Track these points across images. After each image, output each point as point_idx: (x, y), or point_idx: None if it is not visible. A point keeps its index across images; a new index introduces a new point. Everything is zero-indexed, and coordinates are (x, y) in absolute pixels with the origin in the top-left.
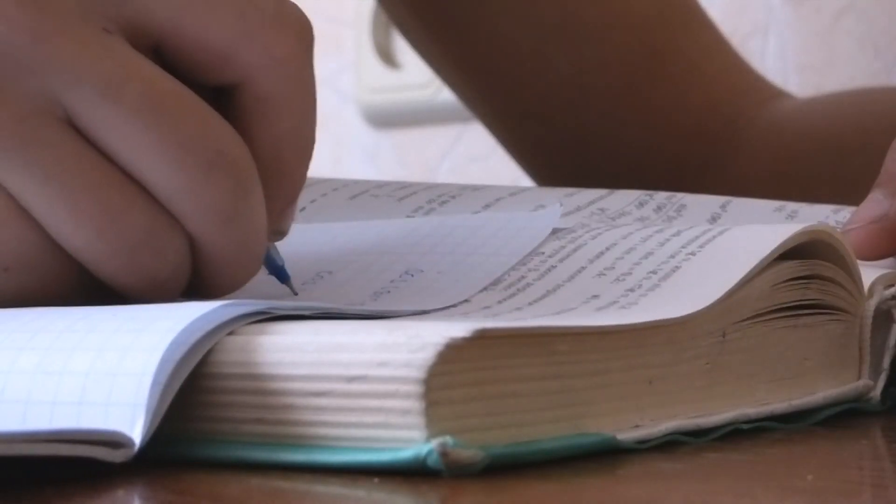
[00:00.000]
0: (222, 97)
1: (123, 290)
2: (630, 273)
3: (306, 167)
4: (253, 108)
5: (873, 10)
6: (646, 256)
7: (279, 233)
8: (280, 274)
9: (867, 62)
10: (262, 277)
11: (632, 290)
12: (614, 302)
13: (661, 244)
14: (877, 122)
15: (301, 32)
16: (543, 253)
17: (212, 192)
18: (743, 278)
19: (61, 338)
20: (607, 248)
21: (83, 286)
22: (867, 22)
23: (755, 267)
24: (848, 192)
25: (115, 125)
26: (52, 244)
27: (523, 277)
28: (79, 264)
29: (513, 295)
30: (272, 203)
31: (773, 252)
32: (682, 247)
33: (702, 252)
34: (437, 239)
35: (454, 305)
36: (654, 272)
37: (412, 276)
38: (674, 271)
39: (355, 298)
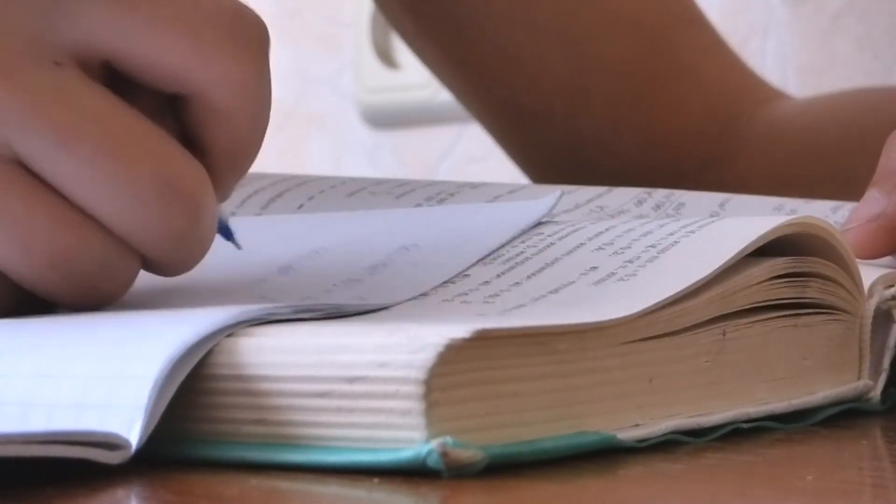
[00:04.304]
0: (176, 99)
1: (75, 306)
2: (629, 247)
3: (256, 155)
4: (206, 118)
5: (872, 10)
6: (645, 234)
7: (224, 198)
8: (224, 232)
9: (866, 62)
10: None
11: (630, 261)
12: (612, 273)
13: (661, 226)
14: (876, 121)
15: (257, 43)
16: (543, 233)
17: (168, 224)
18: (739, 253)
19: (64, 345)
20: (606, 229)
21: (25, 304)
22: (866, 22)
23: (751, 244)
24: (847, 192)
25: (70, 172)
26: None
27: (521, 252)
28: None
29: (511, 268)
30: (222, 186)
31: (767, 233)
32: (682, 227)
33: (701, 231)
34: (433, 221)
35: (452, 282)
36: (653, 246)
37: (408, 249)
38: (673, 245)
39: (352, 273)
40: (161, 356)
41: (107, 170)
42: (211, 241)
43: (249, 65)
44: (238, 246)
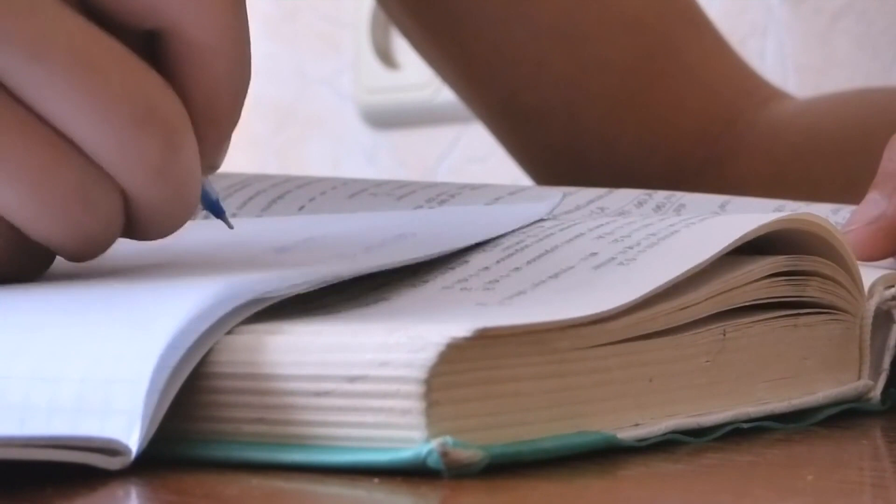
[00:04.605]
0: (153, 43)
1: (56, 248)
2: (629, 235)
3: (241, 106)
4: (182, 54)
5: (872, 10)
6: (645, 225)
7: (212, 167)
8: (214, 209)
9: (866, 63)
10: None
11: (630, 247)
12: (612, 258)
13: (661, 219)
14: (877, 121)
15: None
16: (543, 225)
17: (142, 147)
18: (739, 239)
19: (56, 340)
20: (607, 222)
21: (16, 252)
22: (866, 22)
23: (751, 232)
24: (849, 192)
25: (42, 84)
26: None
27: (521, 241)
28: (9, 229)
29: (510, 255)
30: (205, 143)
31: (767, 225)
32: (682, 220)
33: (701, 223)
34: (432, 221)
35: (451, 268)
36: (654, 234)
37: (405, 237)
38: (673, 234)
39: (346, 251)
40: (152, 356)
41: (78, 82)
42: (194, 192)
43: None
44: (229, 225)
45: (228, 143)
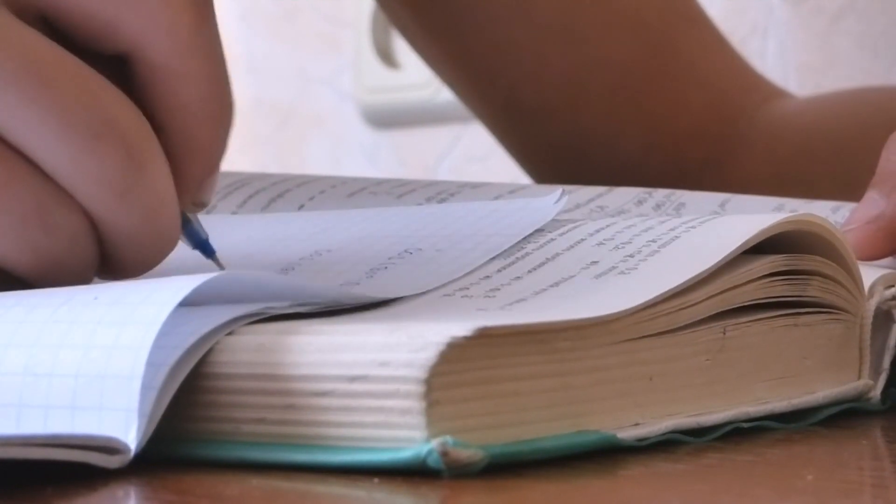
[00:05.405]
0: (123, 69)
1: (19, 272)
2: (630, 242)
3: (223, 136)
4: (148, 77)
5: (873, 10)
6: (646, 230)
7: (200, 204)
8: (204, 248)
9: (866, 62)
10: (200, 261)
11: (631, 255)
12: (613, 267)
13: (662, 222)
14: (876, 120)
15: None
16: (544, 230)
17: (100, 164)
18: (741, 246)
19: (46, 331)
20: (607, 225)
21: None
22: (866, 22)
23: (753, 238)
24: (849, 191)
25: None
26: None
27: (523, 248)
28: None
29: (512, 263)
30: (187, 175)
31: (769, 228)
32: (683, 223)
33: (702, 226)
34: (438, 223)
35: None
36: (654, 241)
37: (410, 253)
38: (673, 240)
39: (351, 276)
40: (143, 348)
41: (29, 94)
42: (168, 221)
43: (183, 14)
44: (220, 265)
45: (216, 177)
